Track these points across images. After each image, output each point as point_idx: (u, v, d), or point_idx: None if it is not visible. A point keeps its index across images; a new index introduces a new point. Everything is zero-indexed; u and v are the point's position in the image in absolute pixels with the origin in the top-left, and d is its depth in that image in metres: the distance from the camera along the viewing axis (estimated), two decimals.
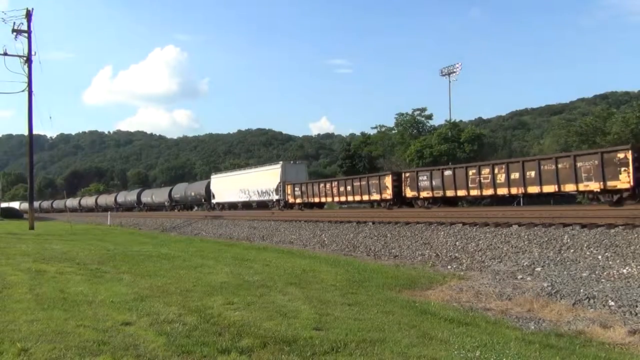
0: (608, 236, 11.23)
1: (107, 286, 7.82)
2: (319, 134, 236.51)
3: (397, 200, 27.40)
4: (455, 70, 55.82)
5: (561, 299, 7.54)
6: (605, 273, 9.31)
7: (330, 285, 8.30)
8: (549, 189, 19.67)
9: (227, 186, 43.31)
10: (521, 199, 29.15)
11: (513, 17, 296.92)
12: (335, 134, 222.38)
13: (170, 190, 53.99)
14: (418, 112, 61.18)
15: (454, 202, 25.79)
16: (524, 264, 10.83)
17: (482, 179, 22.54)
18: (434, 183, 25.37)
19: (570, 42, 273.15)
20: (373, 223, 18.91)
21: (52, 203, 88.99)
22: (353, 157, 65.08)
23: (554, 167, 19.51)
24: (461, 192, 23.67)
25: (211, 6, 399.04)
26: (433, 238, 14.84)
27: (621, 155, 17.45)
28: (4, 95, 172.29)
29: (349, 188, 30.55)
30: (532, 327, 6.08)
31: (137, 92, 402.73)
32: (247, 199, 40.02)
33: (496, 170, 21.87)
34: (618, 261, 9.85)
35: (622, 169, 17.13)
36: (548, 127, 75.04)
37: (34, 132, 31.68)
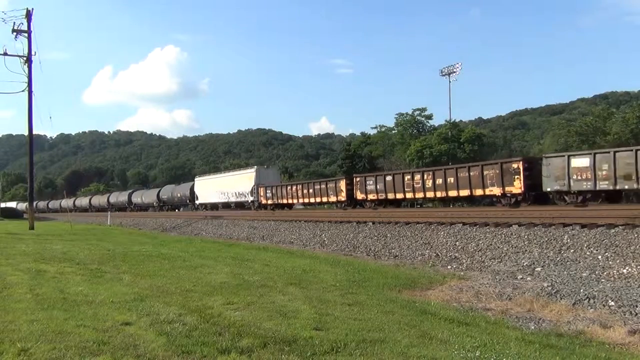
0: (608, 236, 11.23)
1: (107, 286, 7.82)
2: (319, 134, 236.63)
3: (350, 202, 31.10)
4: (455, 70, 55.79)
5: (561, 299, 7.54)
6: (605, 273, 9.31)
7: (330, 285, 8.30)
8: (464, 193, 24.03)
9: (209, 188, 46.69)
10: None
11: (513, 17, 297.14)
12: (335, 134, 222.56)
13: (159, 192, 57.07)
14: (418, 112, 61.22)
15: (397, 203, 29.38)
16: (524, 264, 10.83)
17: (414, 183, 26.62)
18: (378, 187, 29.14)
19: (570, 42, 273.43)
20: (373, 223, 18.92)
21: (47, 203, 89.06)
22: (353, 157, 65.14)
23: (467, 174, 23.66)
24: (399, 195, 27.94)
25: (211, 6, 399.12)
26: (433, 238, 14.84)
27: (515, 165, 21.68)
28: (4, 95, 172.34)
29: (311, 191, 34.16)
30: (532, 327, 6.08)
31: (137, 92, 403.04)
32: (227, 200, 43.68)
33: (425, 177, 26.21)
34: (618, 261, 9.85)
35: (516, 177, 21.42)
36: (548, 127, 75.05)
37: (34, 132, 31.73)
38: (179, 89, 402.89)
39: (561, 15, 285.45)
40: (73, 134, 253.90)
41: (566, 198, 20.86)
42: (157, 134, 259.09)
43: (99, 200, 71.48)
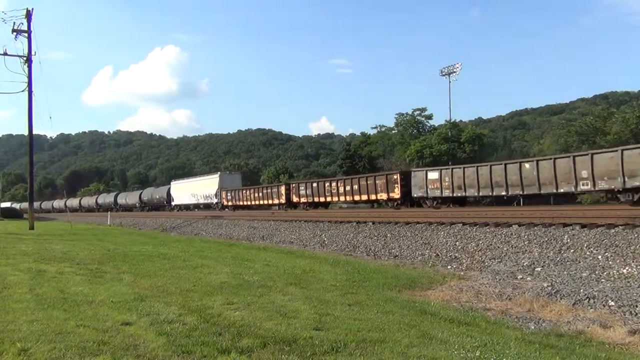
0: (608, 236, 11.22)
1: (107, 286, 7.81)
2: (319, 134, 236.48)
3: (289, 204, 37.24)
4: (455, 70, 55.79)
5: (561, 299, 7.54)
6: (605, 273, 9.31)
7: (330, 285, 8.30)
8: (364, 197, 31.35)
9: (182, 191, 52.92)
10: (520, 200, 29.74)
11: (513, 17, 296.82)
12: (335, 134, 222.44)
13: (140, 194, 63.09)
14: (418, 112, 61.25)
15: (324, 205, 35.90)
16: (524, 264, 10.83)
17: (332, 189, 33.73)
18: (307, 192, 35.70)
19: (570, 42, 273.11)
20: (373, 223, 18.92)
21: (40, 204, 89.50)
22: (353, 157, 65.15)
23: (365, 183, 31.26)
24: (322, 199, 34.74)
25: (211, 6, 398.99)
26: (433, 238, 14.84)
27: (395, 177, 29.16)
28: (4, 95, 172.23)
29: (260, 194, 41.34)
30: (532, 327, 6.08)
31: (137, 92, 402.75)
32: (196, 202, 49.72)
33: (339, 184, 33.53)
34: (618, 261, 9.84)
35: (395, 185, 28.57)
36: (548, 127, 75.05)
37: (34, 132, 31.72)
38: (179, 89, 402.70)
39: (561, 15, 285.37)
40: (73, 134, 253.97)
41: (427, 202, 27.51)
42: (157, 134, 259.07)
43: (88, 201, 76.77)
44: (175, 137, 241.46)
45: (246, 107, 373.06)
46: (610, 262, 9.89)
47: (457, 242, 13.84)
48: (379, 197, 30.31)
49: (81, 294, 7.05)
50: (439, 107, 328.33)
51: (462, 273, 10.61)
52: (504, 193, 23.85)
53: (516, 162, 23.58)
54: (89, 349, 4.37)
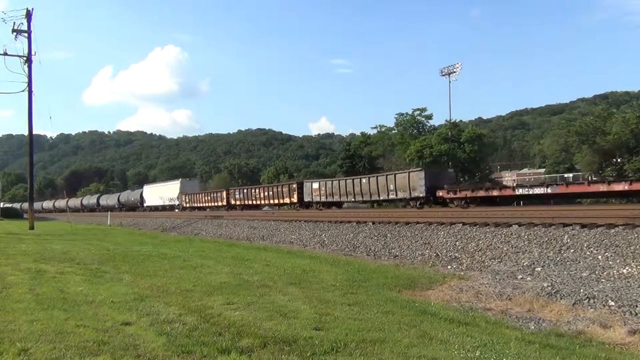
0: (608, 236, 11.22)
1: (107, 286, 7.81)
2: (319, 134, 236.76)
3: (229, 206, 46.57)
4: (455, 70, 55.77)
5: (561, 299, 7.54)
6: (605, 273, 9.31)
7: (330, 285, 8.30)
8: (277, 201, 42.38)
9: (152, 194, 61.81)
10: (521, 201, 30.11)
11: (513, 17, 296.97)
12: (335, 134, 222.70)
13: (119, 196, 71.17)
14: (418, 112, 61.17)
15: (255, 207, 45.28)
16: (524, 264, 10.83)
17: (256, 194, 44.90)
18: (241, 196, 46.89)
19: (570, 42, 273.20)
20: (373, 223, 18.91)
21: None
22: (353, 157, 65.11)
23: (278, 190, 42.20)
24: (250, 202, 45.68)
25: (211, 6, 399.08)
26: (433, 238, 14.83)
27: (294, 186, 40.85)
28: (4, 95, 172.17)
29: (209, 197, 50.97)
30: (532, 327, 6.08)
31: (137, 92, 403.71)
32: (163, 203, 58.47)
33: (261, 190, 45.16)
34: (618, 261, 9.84)
35: (294, 192, 39.77)
36: (548, 127, 75.07)
37: (34, 132, 31.73)
38: (179, 88, 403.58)
39: (561, 15, 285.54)
40: (73, 134, 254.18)
41: (313, 205, 38.46)
42: (157, 134, 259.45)
43: (75, 202, 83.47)
44: (175, 137, 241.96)
45: (246, 107, 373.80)
46: (610, 262, 9.89)
47: (457, 242, 13.83)
48: (284, 201, 42.07)
49: (81, 294, 7.05)
50: (439, 107, 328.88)
51: (462, 273, 10.61)
52: (353, 199, 34.97)
53: (357, 178, 35.90)
54: (89, 349, 4.37)
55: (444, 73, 56.62)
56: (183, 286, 7.87)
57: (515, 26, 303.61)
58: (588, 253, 10.69)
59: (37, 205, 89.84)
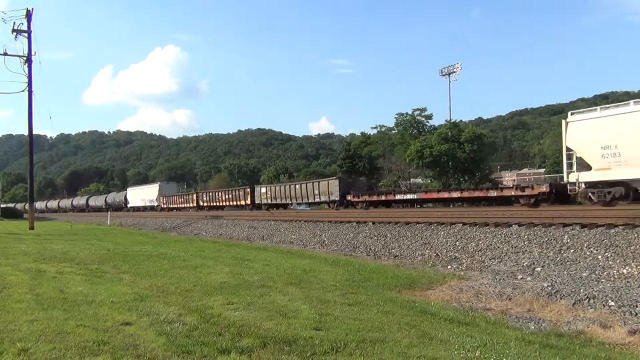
0: (608, 236, 11.22)
1: (107, 286, 7.82)
2: (319, 134, 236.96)
3: (198, 207, 51.71)
4: (455, 70, 55.71)
5: (561, 299, 7.54)
6: (605, 273, 9.31)
7: (330, 285, 8.30)
8: (235, 203, 46.51)
9: (134, 196, 67.36)
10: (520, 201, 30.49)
11: (513, 17, 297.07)
12: (335, 134, 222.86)
13: (106, 197, 75.90)
14: (418, 112, 61.06)
15: (220, 208, 48.65)
16: (524, 264, 10.83)
17: (221, 197, 49.65)
18: (207, 198, 51.78)
19: (571, 42, 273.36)
20: (373, 223, 18.91)
21: (23, 206, 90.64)
22: (353, 157, 65.01)
23: (232, 194, 47.95)
24: (216, 204, 49.72)
25: (211, 6, 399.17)
26: (433, 238, 14.83)
27: (247, 190, 45.84)
28: (4, 95, 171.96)
29: (182, 199, 56.97)
30: (532, 327, 6.07)
31: (137, 92, 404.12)
32: (144, 204, 63.20)
33: (225, 193, 49.77)
34: (618, 261, 9.84)
35: (248, 195, 44.50)
36: (548, 127, 75.02)
37: (34, 132, 31.75)
38: (179, 89, 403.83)
39: (561, 15, 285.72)
40: (73, 134, 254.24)
41: (263, 207, 42.72)
42: (157, 134, 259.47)
43: (65, 203, 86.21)
44: (175, 137, 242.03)
45: (246, 107, 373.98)
46: (610, 262, 9.89)
47: (457, 242, 13.84)
48: (240, 203, 46.29)
49: (81, 294, 7.05)
50: (439, 107, 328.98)
51: (462, 273, 10.61)
52: (293, 201, 41.07)
53: (294, 184, 42.59)
54: (89, 349, 4.37)
55: (444, 73, 56.56)
56: (183, 286, 7.87)
57: (515, 26, 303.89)
58: (588, 253, 10.69)
59: (39, 206, 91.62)
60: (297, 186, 40.04)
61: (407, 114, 61.36)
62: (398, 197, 32.63)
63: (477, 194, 27.91)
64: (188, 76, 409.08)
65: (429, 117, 61.44)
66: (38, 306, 6.18)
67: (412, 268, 11.48)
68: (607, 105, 19.88)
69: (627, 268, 9.35)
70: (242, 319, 5.58)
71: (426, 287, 8.69)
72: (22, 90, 27.81)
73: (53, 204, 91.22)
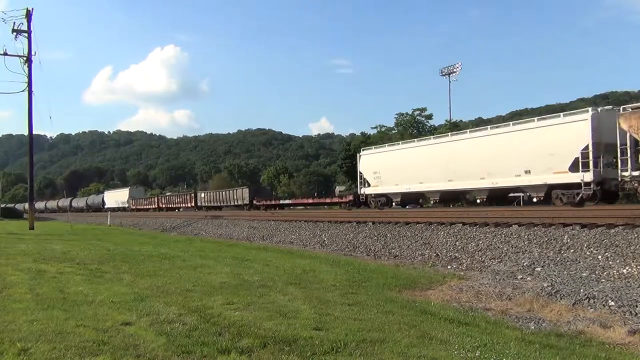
0: (608, 236, 11.22)
1: (107, 286, 7.82)
2: (319, 134, 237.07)
3: (159, 208, 59.54)
4: (455, 70, 55.84)
5: (561, 299, 7.54)
6: (605, 273, 9.30)
7: (330, 285, 8.30)
8: (183, 205, 57.17)
9: (110, 198, 77.01)
10: (521, 200, 30.50)
11: (513, 17, 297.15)
12: (335, 134, 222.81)
13: (87, 199, 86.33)
14: (418, 112, 61.25)
15: (175, 209, 57.48)
16: (524, 264, 10.82)
17: (174, 200, 61.01)
18: (166, 201, 60.50)
19: (571, 42, 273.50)
20: (373, 223, 18.91)
21: (24, 206, 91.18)
22: (353, 157, 65.01)
23: (184, 197, 59.24)
24: (170, 205, 58.90)
25: (211, 6, 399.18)
26: (433, 238, 14.83)
27: (192, 194, 58.09)
28: (4, 95, 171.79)
29: (146, 202, 66.04)
30: (532, 327, 6.07)
31: (137, 92, 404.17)
32: (118, 206, 71.38)
33: (177, 197, 61.49)
34: (618, 261, 9.84)
35: (192, 199, 55.91)
36: None
37: (34, 132, 31.77)
38: (179, 89, 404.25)
39: (561, 15, 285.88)
40: (73, 134, 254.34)
41: (203, 208, 50.73)
42: (157, 134, 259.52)
43: (52, 204, 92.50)
44: (175, 137, 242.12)
45: (246, 107, 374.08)
46: (610, 262, 9.89)
47: (457, 242, 13.83)
48: (187, 205, 55.64)
49: (81, 294, 7.05)
50: (439, 107, 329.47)
51: (462, 273, 10.61)
52: (223, 204, 49.12)
53: (222, 191, 52.61)
54: (89, 349, 4.37)
55: (444, 73, 56.69)
56: (183, 286, 7.87)
57: (515, 26, 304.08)
58: (588, 253, 10.69)
59: (21, 206, 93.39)
60: (222, 192, 51.57)
61: (407, 114, 61.57)
62: (280, 202, 43.84)
63: (318, 200, 41.75)
64: (188, 76, 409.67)
65: (429, 117, 61.63)
66: (38, 306, 6.18)
67: (412, 268, 11.48)
68: (379, 145, 33.02)
69: (627, 268, 9.35)
70: (242, 319, 5.58)
71: (426, 287, 8.69)
72: (22, 90, 27.84)
73: (41, 205, 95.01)
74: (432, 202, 26.88)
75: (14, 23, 27.73)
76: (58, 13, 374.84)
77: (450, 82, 56.19)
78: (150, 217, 44.71)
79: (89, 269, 9.90)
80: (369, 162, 29.96)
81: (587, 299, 7.33)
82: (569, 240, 11.65)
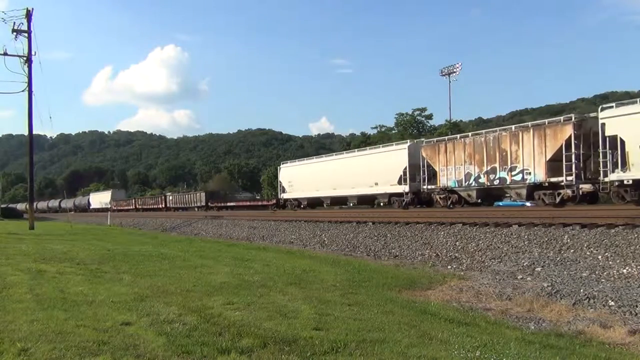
0: (608, 236, 11.22)
1: (107, 286, 7.81)
2: (319, 134, 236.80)
3: (136, 209, 65.94)
4: (455, 70, 55.85)
5: (561, 299, 7.54)
6: (605, 273, 9.31)
7: (330, 285, 8.30)
8: (155, 206, 62.82)
9: (95, 199, 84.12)
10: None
11: (513, 17, 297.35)
12: (335, 134, 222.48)
13: (74, 200, 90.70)
14: (418, 112, 61.18)
15: (150, 210, 61.73)
16: (524, 264, 10.83)
17: (150, 201, 66.34)
18: (140, 202, 68.63)
19: (571, 42, 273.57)
20: (373, 223, 18.91)
21: (25, 206, 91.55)
22: None
23: (155, 200, 65.86)
24: (145, 206, 64.26)
25: (211, 6, 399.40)
26: (433, 238, 14.83)
27: (163, 197, 64.79)
28: (4, 95, 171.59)
29: (125, 203, 72.40)
30: (532, 327, 6.07)
31: (137, 92, 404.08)
32: (102, 206, 77.17)
33: (152, 199, 68.15)
34: (618, 261, 9.85)
35: (163, 200, 61.63)
36: None
37: (34, 132, 31.73)
38: (179, 89, 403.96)
39: (561, 15, 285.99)
40: (73, 134, 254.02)
41: (172, 209, 55.94)
42: (157, 134, 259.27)
43: (40, 205, 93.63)
44: (175, 137, 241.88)
45: (246, 107, 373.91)
46: (610, 262, 9.89)
47: (457, 242, 13.83)
48: (159, 206, 60.48)
49: (81, 294, 7.05)
50: (439, 107, 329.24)
51: (462, 273, 10.61)
52: (186, 206, 55.16)
53: (183, 194, 60.61)
54: (89, 349, 4.37)
55: (444, 73, 56.69)
56: (183, 286, 7.87)
57: (515, 26, 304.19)
58: (588, 253, 10.69)
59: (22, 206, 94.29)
60: (186, 196, 58.82)
61: (407, 114, 61.51)
62: (227, 204, 49.36)
63: (251, 203, 47.78)
64: (188, 76, 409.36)
65: (429, 117, 61.57)
66: (38, 306, 6.18)
67: (412, 268, 11.48)
68: (292, 161, 38.84)
69: (627, 268, 9.35)
70: (242, 319, 5.58)
71: (426, 287, 8.69)
72: (22, 90, 27.82)
73: (42, 205, 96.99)
74: (324, 205, 33.71)
75: (14, 23, 27.73)
76: (58, 13, 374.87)
77: (450, 82, 56.29)
78: (150, 217, 44.70)
79: (89, 269, 9.90)
80: (286, 173, 37.44)
81: (587, 299, 7.33)
82: (569, 240, 11.65)
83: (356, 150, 34.45)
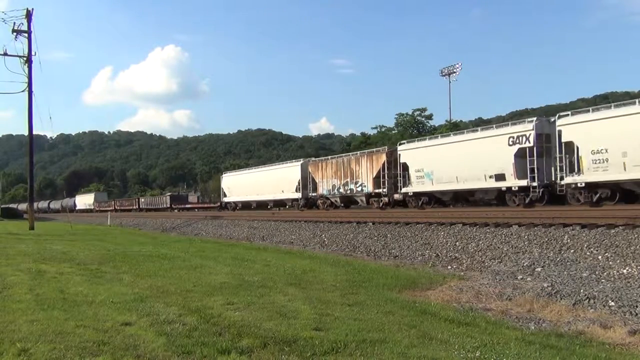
0: (608, 236, 11.22)
1: (107, 286, 7.82)
2: (319, 134, 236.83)
3: (115, 210, 70.49)
4: (455, 70, 55.88)
5: (561, 299, 7.54)
6: (605, 273, 9.30)
7: (330, 286, 8.30)
8: (129, 207, 72.47)
9: (80, 201, 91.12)
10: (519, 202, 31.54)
11: (513, 17, 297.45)
12: (335, 134, 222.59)
13: (62, 201, 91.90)
14: (418, 112, 61.19)
15: (128, 210, 69.01)
16: (524, 264, 10.82)
17: (130, 202, 75.87)
18: (119, 204, 76.88)
19: (571, 42, 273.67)
20: (373, 223, 18.91)
21: (27, 206, 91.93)
22: None
23: (136, 201, 74.22)
24: (124, 207, 73.14)
25: (211, 6, 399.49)
26: (433, 238, 14.83)
27: (137, 199, 76.95)
28: (4, 95, 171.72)
29: (107, 204, 77.10)
30: (532, 328, 6.07)
31: (137, 92, 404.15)
32: (87, 207, 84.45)
33: (125, 201, 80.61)
34: (618, 261, 9.84)
35: (136, 202, 72.49)
36: None
37: (34, 132, 31.81)
38: (179, 89, 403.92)
39: (562, 15, 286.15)
40: (73, 134, 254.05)
41: (143, 210, 63.85)
42: (157, 134, 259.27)
43: (41, 205, 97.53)
44: (175, 137, 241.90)
45: (246, 107, 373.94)
46: (610, 262, 9.89)
47: (457, 243, 13.83)
48: (133, 207, 68.46)
49: (81, 294, 7.05)
50: (439, 107, 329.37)
51: (462, 273, 10.61)
52: (157, 207, 61.32)
53: (155, 197, 73.79)
54: (89, 349, 4.37)
55: (444, 73, 56.71)
56: (183, 286, 7.87)
57: (515, 26, 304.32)
58: (588, 253, 10.69)
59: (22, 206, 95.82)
60: (155, 198, 67.83)
61: (407, 114, 61.53)
62: (186, 205, 57.04)
63: (203, 205, 55.23)
64: (188, 76, 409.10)
65: (429, 117, 61.58)
66: (38, 306, 6.18)
67: (412, 268, 11.48)
68: (232, 170, 51.02)
69: (627, 268, 9.35)
70: (242, 319, 5.58)
71: (426, 287, 8.68)
72: (22, 91, 27.85)
73: (23, 206, 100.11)
74: (252, 207, 41.19)
75: (14, 23, 27.77)
76: (58, 13, 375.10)
77: (450, 82, 56.32)
78: (150, 217, 44.71)
79: (89, 269, 9.90)
80: (226, 181, 46.00)
81: (587, 299, 7.32)
82: (569, 240, 11.65)
83: (270, 165, 46.42)
